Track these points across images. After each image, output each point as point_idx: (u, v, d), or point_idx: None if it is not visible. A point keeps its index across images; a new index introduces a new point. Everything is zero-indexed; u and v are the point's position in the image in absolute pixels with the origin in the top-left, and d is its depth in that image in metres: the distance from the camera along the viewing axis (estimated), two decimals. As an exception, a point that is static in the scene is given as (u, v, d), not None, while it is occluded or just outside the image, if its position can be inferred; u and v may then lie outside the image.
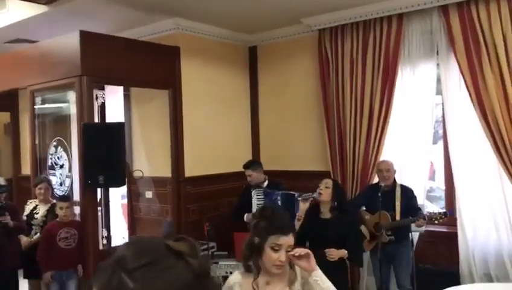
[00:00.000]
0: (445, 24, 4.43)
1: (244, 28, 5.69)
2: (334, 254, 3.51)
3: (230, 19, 5.25)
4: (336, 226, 3.66)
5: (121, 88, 5.44)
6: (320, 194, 3.79)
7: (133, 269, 0.85)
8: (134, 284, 0.84)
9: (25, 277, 4.50)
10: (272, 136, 5.98)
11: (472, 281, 4.34)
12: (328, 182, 3.86)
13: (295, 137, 5.71)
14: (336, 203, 3.78)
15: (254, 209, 4.61)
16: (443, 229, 4.72)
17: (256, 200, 4.64)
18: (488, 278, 4.36)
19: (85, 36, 4.38)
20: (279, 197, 4.51)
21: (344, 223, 3.70)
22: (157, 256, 0.89)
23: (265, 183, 4.82)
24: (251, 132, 6.12)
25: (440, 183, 5.47)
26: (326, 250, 3.49)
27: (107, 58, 4.55)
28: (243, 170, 4.98)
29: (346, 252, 3.57)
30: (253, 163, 4.98)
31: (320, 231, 3.66)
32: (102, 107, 5.10)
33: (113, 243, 4.93)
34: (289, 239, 2.14)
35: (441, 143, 5.08)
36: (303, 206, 3.90)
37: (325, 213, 3.79)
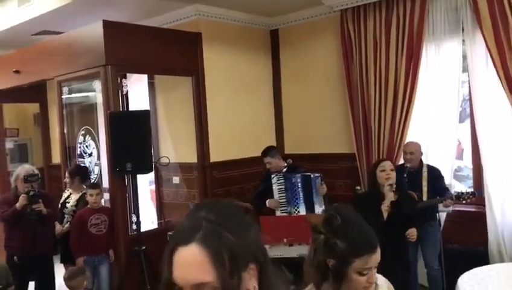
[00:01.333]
0: (471, 0, 4.32)
1: (265, 11, 5.66)
2: (414, 233, 3.44)
3: (250, 2, 5.22)
4: (408, 204, 3.58)
5: (145, 76, 5.50)
6: (391, 184, 3.52)
7: (231, 226, 0.97)
8: (235, 237, 0.96)
9: (61, 262, 4.65)
10: (295, 119, 5.97)
11: (502, 261, 4.29)
12: (391, 165, 3.61)
13: (319, 120, 5.69)
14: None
15: (276, 195, 4.64)
16: (471, 208, 4.66)
17: (277, 185, 4.66)
18: (519, 258, 4.31)
19: (108, 26, 4.44)
20: (299, 180, 4.53)
21: (407, 198, 3.67)
22: (244, 216, 1.04)
23: (285, 168, 4.82)
24: (274, 115, 6.12)
25: (468, 162, 5.38)
26: (408, 232, 3.42)
27: (131, 47, 4.61)
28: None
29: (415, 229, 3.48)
30: (271, 150, 4.86)
31: (399, 214, 3.45)
32: (126, 95, 5.17)
33: (143, 228, 5.04)
34: (378, 254, 1.63)
35: (468, 121, 4.99)
36: (390, 195, 3.57)
37: (390, 196, 3.49)
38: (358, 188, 5.17)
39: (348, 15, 5.13)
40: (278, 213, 4.65)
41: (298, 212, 4.54)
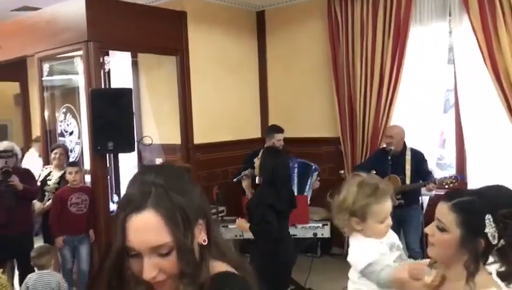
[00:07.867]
0: (459, -17, 4.30)
1: (251, -8, 5.59)
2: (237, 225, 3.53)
3: (237, -17, 5.15)
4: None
5: (129, 54, 5.39)
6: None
7: (178, 187, 1.04)
8: (183, 197, 1.03)
9: (44, 242, 4.52)
10: (280, 103, 5.93)
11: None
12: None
13: (304, 103, 5.66)
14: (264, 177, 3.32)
15: None
16: (453, 194, 4.68)
17: None
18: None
19: (90, 1, 4.32)
20: (296, 165, 4.50)
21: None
22: (187, 177, 1.12)
23: None
24: (259, 98, 6.07)
25: (450, 151, 5.41)
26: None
27: (114, 24, 4.49)
28: (251, 137, 4.93)
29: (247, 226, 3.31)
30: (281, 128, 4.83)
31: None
32: (108, 73, 5.05)
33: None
34: None
35: (451, 112, 5.00)
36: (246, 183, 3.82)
37: None
38: (342, 172, 5.16)
39: (335, -2, 5.08)
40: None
41: None
